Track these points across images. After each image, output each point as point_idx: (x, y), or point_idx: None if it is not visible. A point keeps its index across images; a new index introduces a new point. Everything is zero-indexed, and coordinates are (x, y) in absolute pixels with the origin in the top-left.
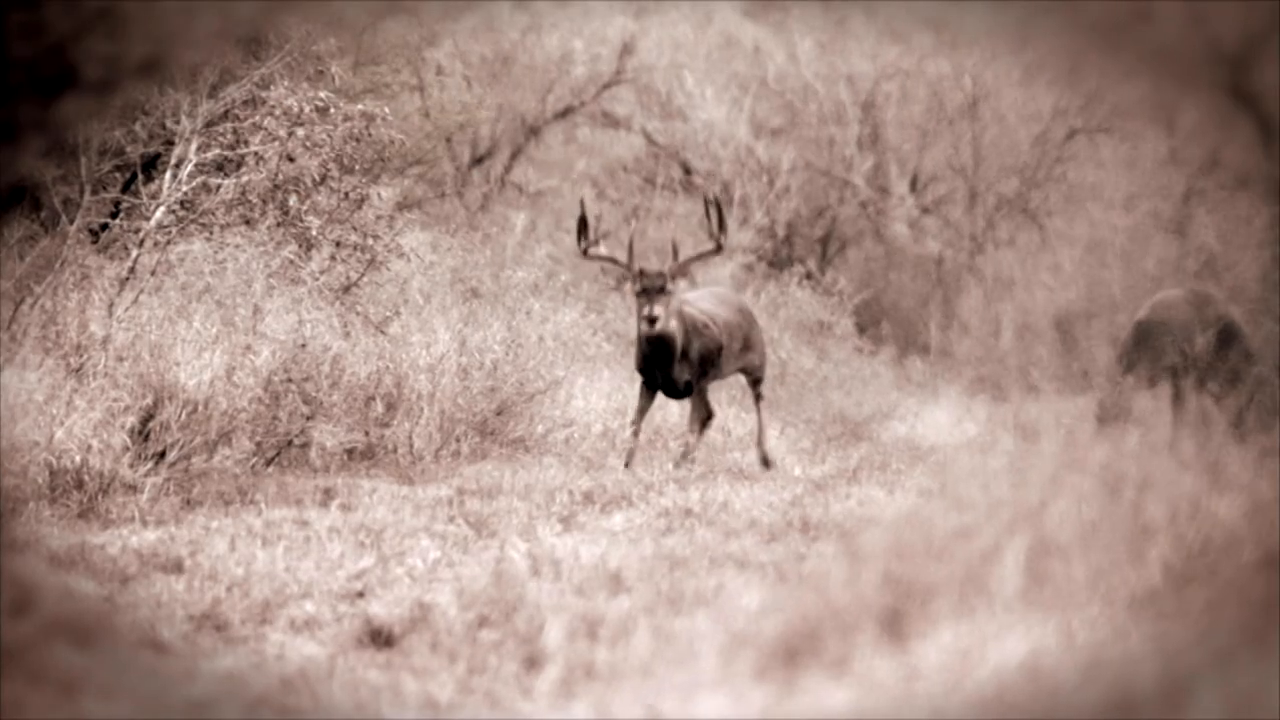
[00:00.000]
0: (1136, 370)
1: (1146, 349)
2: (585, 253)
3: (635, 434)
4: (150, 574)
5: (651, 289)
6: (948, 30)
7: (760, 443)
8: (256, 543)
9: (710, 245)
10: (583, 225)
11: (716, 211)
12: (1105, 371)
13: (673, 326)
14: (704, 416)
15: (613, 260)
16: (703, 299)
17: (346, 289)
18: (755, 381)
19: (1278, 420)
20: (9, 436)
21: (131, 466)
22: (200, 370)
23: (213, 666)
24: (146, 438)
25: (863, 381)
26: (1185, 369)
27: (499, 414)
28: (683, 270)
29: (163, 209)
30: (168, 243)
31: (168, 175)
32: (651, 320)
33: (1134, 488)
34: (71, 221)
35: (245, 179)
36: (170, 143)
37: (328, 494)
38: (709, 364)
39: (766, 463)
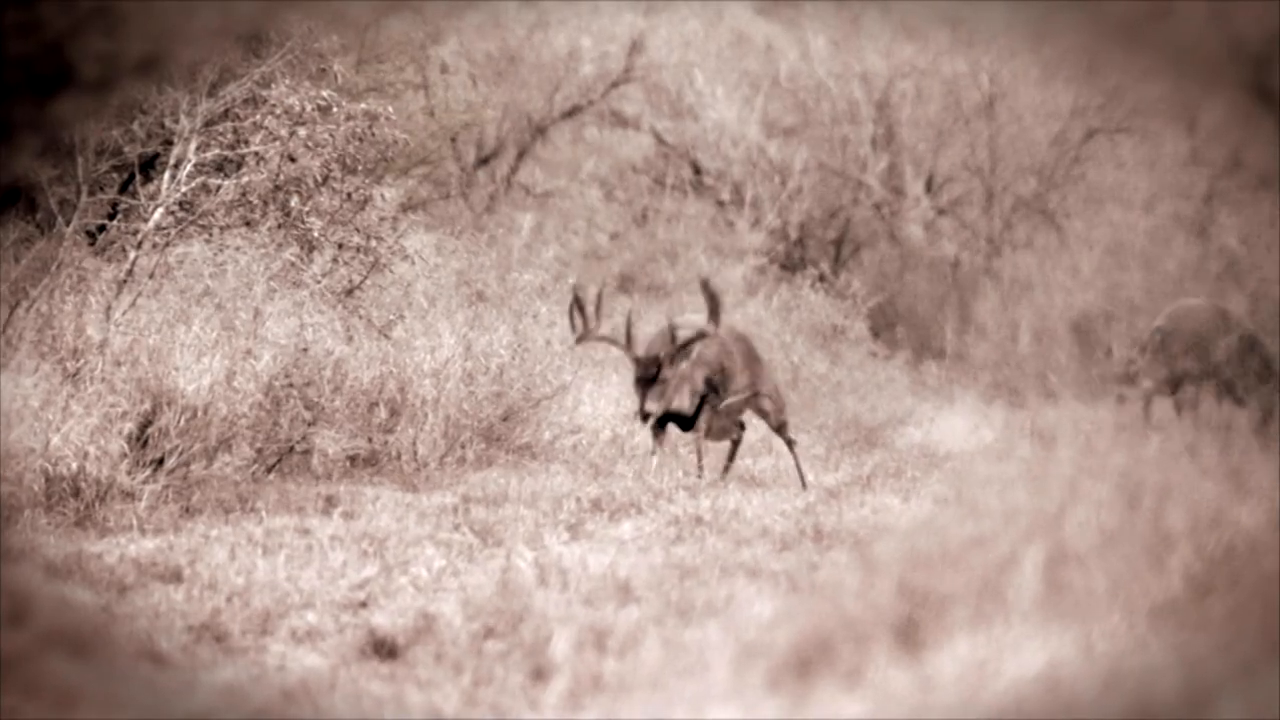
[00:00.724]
0: (1155, 376)
1: (1164, 355)
2: (580, 340)
3: (654, 454)
4: (148, 583)
5: (645, 380)
6: (964, 27)
7: (800, 476)
8: (257, 551)
9: (707, 328)
10: (578, 309)
11: (711, 296)
12: (1122, 374)
13: (675, 405)
14: (734, 437)
15: (611, 343)
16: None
17: (349, 292)
18: (780, 426)
19: None
20: (4, 443)
21: (129, 473)
22: (200, 375)
23: (212, 678)
24: (145, 444)
25: (877, 386)
26: (1203, 376)
27: (505, 420)
28: (679, 354)
29: (161, 210)
30: (166, 245)
31: (166, 176)
32: (644, 416)
33: (1154, 495)
34: (68, 223)
35: (246, 179)
36: (169, 142)
37: (330, 501)
38: (714, 389)
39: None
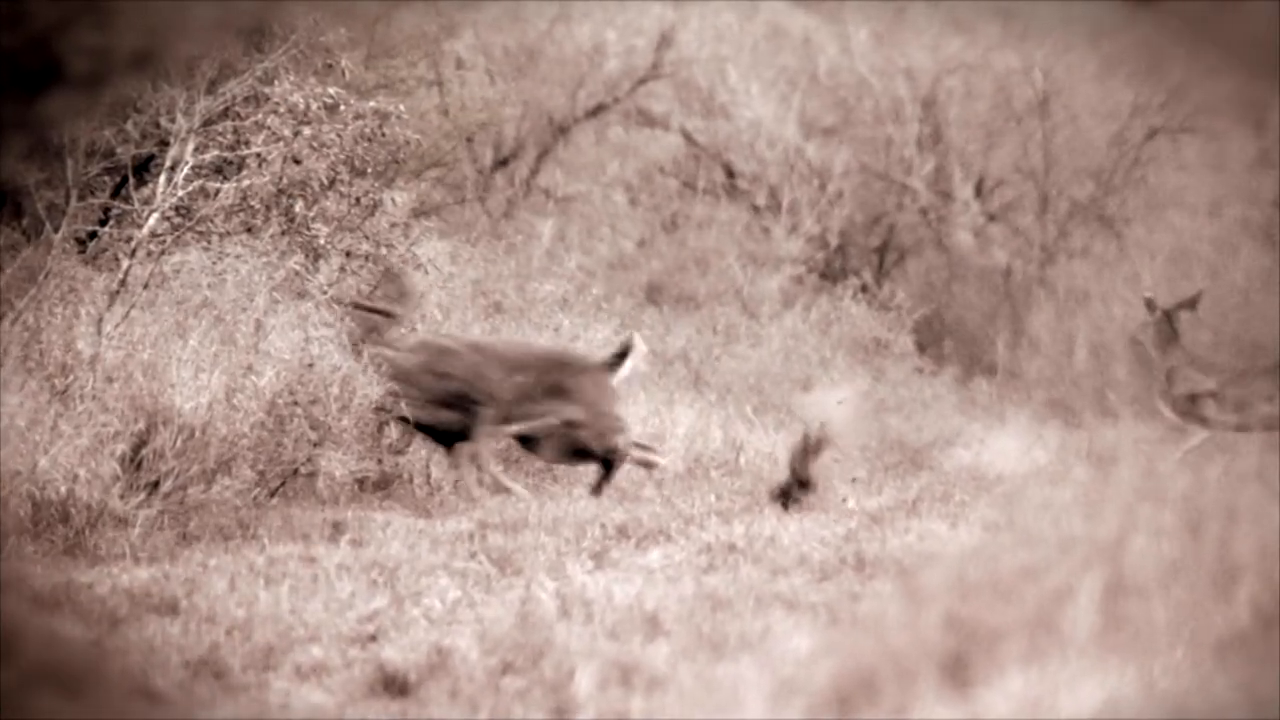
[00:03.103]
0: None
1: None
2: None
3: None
4: (143, 616)
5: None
6: (1017, 20)
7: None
8: (259, 582)
9: (393, 309)
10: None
11: (395, 280)
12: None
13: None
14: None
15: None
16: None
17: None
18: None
19: None
20: None
21: (122, 498)
22: (197, 392)
23: (211, 717)
24: (139, 466)
25: (923, 404)
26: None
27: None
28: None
29: (156, 215)
30: (162, 252)
31: (162, 179)
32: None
33: (1219, 521)
34: (56, 229)
35: (247, 183)
36: (165, 143)
37: (337, 528)
38: (476, 402)
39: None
